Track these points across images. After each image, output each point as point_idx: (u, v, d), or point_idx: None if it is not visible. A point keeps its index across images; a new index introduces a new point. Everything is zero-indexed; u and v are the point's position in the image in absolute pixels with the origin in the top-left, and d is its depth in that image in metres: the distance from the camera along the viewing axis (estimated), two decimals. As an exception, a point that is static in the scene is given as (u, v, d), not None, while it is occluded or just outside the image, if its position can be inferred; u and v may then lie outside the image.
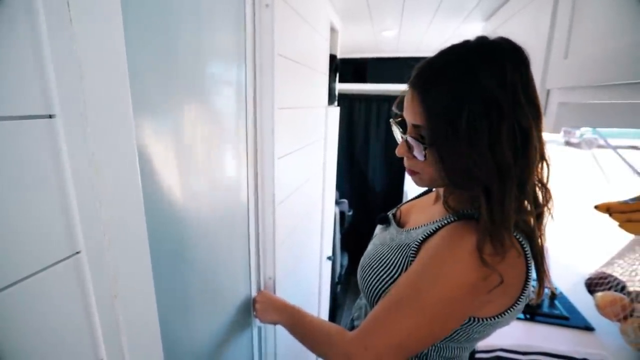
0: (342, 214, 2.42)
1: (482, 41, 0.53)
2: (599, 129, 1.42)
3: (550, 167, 0.56)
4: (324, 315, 2.00)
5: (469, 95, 0.49)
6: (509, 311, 0.57)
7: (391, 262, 0.62)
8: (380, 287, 0.62)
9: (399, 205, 0.84)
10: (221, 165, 0.79)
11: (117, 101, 0.38)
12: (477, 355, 1.02)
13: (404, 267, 0.60)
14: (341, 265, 2.55)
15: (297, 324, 0.76)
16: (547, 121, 0.90)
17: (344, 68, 2.18)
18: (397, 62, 2.58)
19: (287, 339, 0.79)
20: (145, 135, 0.49)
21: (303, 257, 1.38)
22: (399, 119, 0.63)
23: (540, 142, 0.53)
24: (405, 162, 0.63)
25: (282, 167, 1.00)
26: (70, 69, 0.32)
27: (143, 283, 0.44)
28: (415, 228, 0.65)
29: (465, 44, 0.53)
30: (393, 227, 0.73)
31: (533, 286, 0.60)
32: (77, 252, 0.35)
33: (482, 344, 1.05)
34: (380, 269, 0.63)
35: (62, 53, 0.31)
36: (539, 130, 0.53)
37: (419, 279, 0.54)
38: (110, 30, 0.36)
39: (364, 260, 0.71)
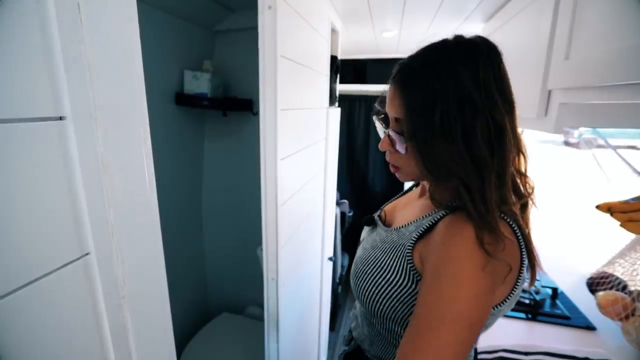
0: (342, 214, 2.42)
1: (459, 40, 0.55)
2: (598, 129, 1.42)
3: (527, 159, 0.59)
4: (325, 315, 2.00)
5: (445, 92, 0.51)
6: (508, 298, 0.57)
7: (387, 265, 0.61)
8: (378, 293, 0.60)
9: (382, 207, 0.84)
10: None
11: (130, 103, 0.38)
12: (480, 356, 1.02)
13: (402, 269, 0.59)
14: (342, 266, 2.55)
15: None
16: (548, 122, 0.90)
17: (344, 69, 2.18)
18: (397, 63, 2.59)
19: (291, 337, 0.79)
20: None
21: (305, 258, 1.38)
22: (382, 115, 0.65)
23: (516, 136, 0.55)
24: (388, 157, 0.64)
25: (285, 169, 1.00)
26: (81, 71, 0.32)
27: (153, 284, 0.44)
28: (406, 225, 0.64)
29: (444, 42, 0.55)
30: (380, 228, 0.72)
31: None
32: (87, 254, 0.35)
33: (484, 345, 1.05)
34: (376, 274, 0.61)
35: (72, 55, 0.31)
36: (514, 124, 0.55)
37: (441, 290, 0.50)
38: (123, 32, 0.36)
39: (356, 266, 0.68)
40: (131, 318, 0.41)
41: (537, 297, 1.24)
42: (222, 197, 1.91)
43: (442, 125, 0.51)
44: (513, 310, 1.22)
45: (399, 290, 0.59)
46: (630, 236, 1.01)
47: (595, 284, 1.14)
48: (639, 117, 0.81)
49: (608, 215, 0.97)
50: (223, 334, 1.74)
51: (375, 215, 0.79)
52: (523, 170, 0.59)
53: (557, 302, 1.26)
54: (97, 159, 0.35)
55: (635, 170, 1.28)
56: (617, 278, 1.07)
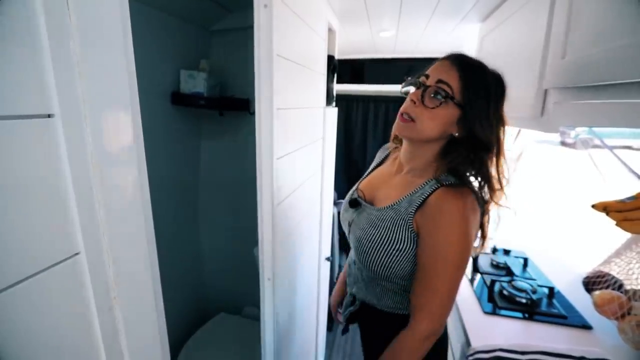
0: (340, 214, 2.41)
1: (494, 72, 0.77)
2: (594, 129, 1.43)
3: (505, 161, 0.77)
4: (323, 315, 1.99)
5: (490, 88, 0.73)
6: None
7: (393, 237, 0.76)
8: (390, 261, 0.77)
9: (355, 188, 0.97)
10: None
11: (121, 101, 0.37)
12: (477, 356, 1.02)
13: (406, 237, 0.75)
14: (339, 266, 2.55)
15: None
16: (544, 121, 0.90)
17: (341, 69, 2.18)
18: (395, 63, 2.59)
19: (288, 337, 0.79)
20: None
21: (302, 258, 1.38)
22: (421, 77, 0.78)
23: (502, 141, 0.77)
24: (407, 109, 0.76)
25: (281, 168, 1.00)
26: (70, 68, 0.32)
27: (146, 285, 0.43)
28: (398, 202, 0.79)
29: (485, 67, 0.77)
30: (370, 208, 0.85)
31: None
32: (76, 254, 0.35)
33: (481, 344, 1.05)
34: (386, 247, 0.76)
35: (60, 52, 0.31)
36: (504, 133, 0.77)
37: (440, 245, 0.71)
38: (114, 29, 0.36)
39: (361, 245, 0.81)
40: (123, 319, 0.40)
41: (534, 297, 1.25)
42: (219, 197, 1.90)
43: (489, 101, 0.72)
44: (510, 309, 1.22)
45: (406, 254, 0.76)
46: (625, 235, 1.02)
47: (591, 283, 1.14)
48: (635, 116, 0.81)
49: (604, 214, 0.97)
50: (220, 334, 1.74)
51: (356, 197, 0.92)
52: (502, 168, 0.77)
53: (554, 301, 1.27)
54: (87, 157, 0.34)
55: (631, 170, 1.29)
56: (613, 277, 1.07)
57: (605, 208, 0.97)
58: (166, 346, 0.50)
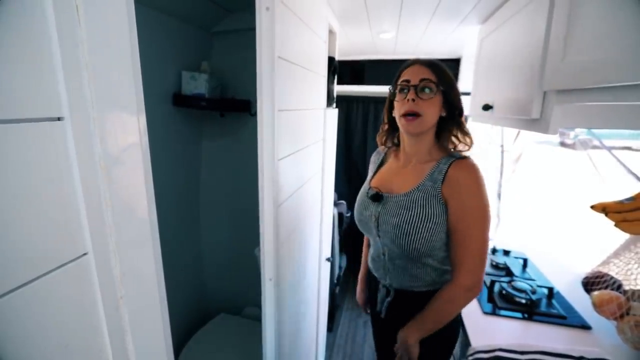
0: (340, 215, 2.42)
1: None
2: (593, 130, 1.44)
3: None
4: (323, 316, 2.00)
5: (449, 72, 0.95)
6: None
7: (432, 213, 0.89)
8: (433, 236, 0.89)
9: (366, 187, 1.08)
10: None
11: (128, 104, 0.38)
12: (477, 356, 1.02)
13: (439, 209, 0.89)
14: (340, 267, 2.55)
15: (428, 322, 0.93)
16: (543, 123, 0.91)
17: (341, 70, 2.19)
18: (395, 64, 2.59)
19: (289, 338, 0.79)
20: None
21: (302, 259, 1.38)
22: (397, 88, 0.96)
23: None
24: (411, 107, 0.90)
25: (283, 169, 1.01)
26: (79, 72, 0.33)
27: (151, 285, 0.44)
28: (422, 183, 0.93)
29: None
30: (394, 197, 0.96)
31: None
32: (85, 254, 0.36)
33: (481, 344, 1.06)
34: (428, 224, 0.89)
35: (70, 57, 0.32)
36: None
37: (467, 207, 0.87)
38: (121, 32, 0.36)
39: (399, 230, 0.92)
40: (129, 318, 0.41)
41: (533, 297, 1.25)
42: (220, 198, 1.91)
43: (454, 81, 0.95)
44: (509, 309, 1.23)
45: (442, 225, 0.89)
46: (624, 236, 1.02)
47: (590, 283, 1.15)
48: (634, 118, 0.82)
49: (603, 215, 0.97)
50: (221, 335, 1.74)
51: (376, 192, 1.01)
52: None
53: (553, 301, 1.27)
54: (95, 159, 0.35)
55: (629, 171, 1.29)
56: (612, 277, 1.08)
57: (604, 209, 0.97)
58: (170, 346, 0.51)
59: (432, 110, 0.91)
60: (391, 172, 1.06)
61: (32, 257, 0.31)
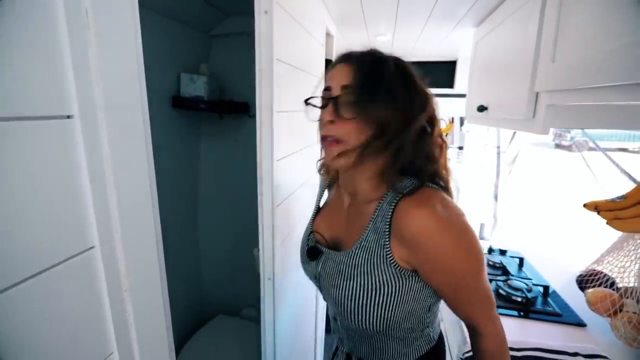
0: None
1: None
2: (588, 132, 1.46)
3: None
4: (321, 317, 2.00)
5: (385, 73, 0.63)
6: None
7: (381, 282, 0.60)
8: (389, 311, 0.62)
9: (308, 231, 0.80)
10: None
11: (133, 103, 0.40)
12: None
13: (396, 275, 0.60)
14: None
15: None
16: (536, 123, 0.93)
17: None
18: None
19: (287, 338, 0.80)
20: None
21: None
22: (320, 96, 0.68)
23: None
24: (328, 131, 0.62)
25: (281, 170, 1.02)
26: (87, 72, 0.34)
27: (155, 279, 0.45)
28: (364, 237, 0.63)
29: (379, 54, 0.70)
30: (334, 255, 0.68)
31: None
32: (91, 247, 0.37)
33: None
34: (379, 299, 0.61)
35: (80, 58, 0.33)
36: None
37: (448, 262, 0.58)
38: (126, 36, 0.38)
39: (341, 305, 0.65)
40: (133, 311, 0.42)
41: (529, 295, 1.27)
42: (218, 199, 1.92)
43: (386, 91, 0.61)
44: (506, 308, 1.24)
45: (400, 294, 0.61)
46: (617, 234, 1.04)
47: (584, 281, 1.16)
48: (622, 117, 0.84)
49: (595, 213, 0.99)
50: (219, 336, 1.74)
51: (314, 244, 0.74)
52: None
53: (549, 299, 1.29)
54: (102, 156, 0.36)
55: (622, 171, 1.32)
56: (606, 275, 1.10)
57: (596, 207, 0.99)
58: (172, 340, 0.52)
59: (356, 131, 0.60)
60: (336, 211, 0.76)
61: (40, 249, 0.32)
